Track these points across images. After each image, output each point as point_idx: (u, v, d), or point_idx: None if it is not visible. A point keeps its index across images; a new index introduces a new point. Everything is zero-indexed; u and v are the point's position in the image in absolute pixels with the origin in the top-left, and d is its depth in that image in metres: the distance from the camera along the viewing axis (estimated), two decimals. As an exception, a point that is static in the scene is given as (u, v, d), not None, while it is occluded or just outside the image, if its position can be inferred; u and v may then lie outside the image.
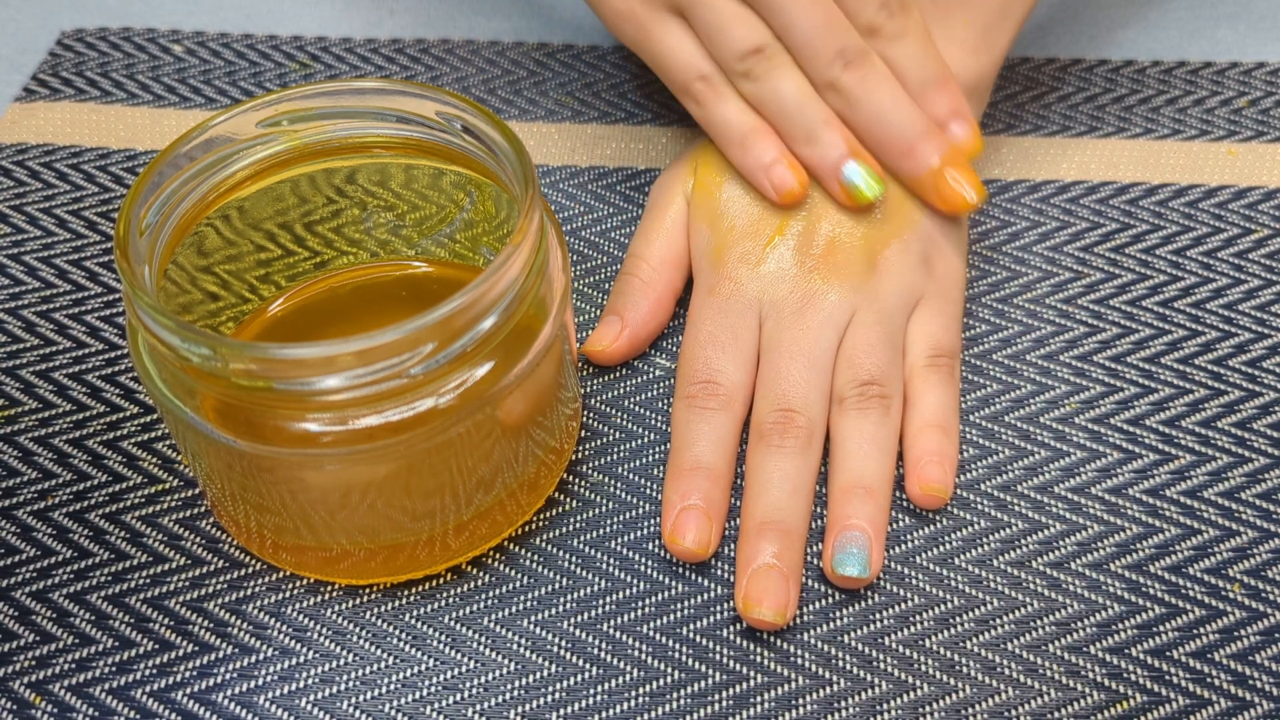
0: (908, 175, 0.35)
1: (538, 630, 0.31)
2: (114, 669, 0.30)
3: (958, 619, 0.31)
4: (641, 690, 0.30)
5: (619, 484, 0.34)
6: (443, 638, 0.30)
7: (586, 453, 0.34)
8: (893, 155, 0.34)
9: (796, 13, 0.33)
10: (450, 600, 0.31)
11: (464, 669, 0.30)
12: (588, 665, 0.30)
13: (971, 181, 0.34)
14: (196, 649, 0.30)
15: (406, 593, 0.31)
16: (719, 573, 0.32)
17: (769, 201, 0.35)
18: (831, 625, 0.31)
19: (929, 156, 0.34)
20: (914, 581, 0.31)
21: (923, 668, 0.30)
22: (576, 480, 0.34)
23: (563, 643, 0.30)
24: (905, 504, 0.33)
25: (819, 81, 0.34)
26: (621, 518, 0.33)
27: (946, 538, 0.32)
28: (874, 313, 0.34)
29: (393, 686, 0.30)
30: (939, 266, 0.35)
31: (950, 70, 0.35)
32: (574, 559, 0.32)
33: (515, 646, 0.30)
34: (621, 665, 0.30)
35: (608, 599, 0.31)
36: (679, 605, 0.31)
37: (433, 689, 0.30)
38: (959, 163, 0.34)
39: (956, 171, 0.34)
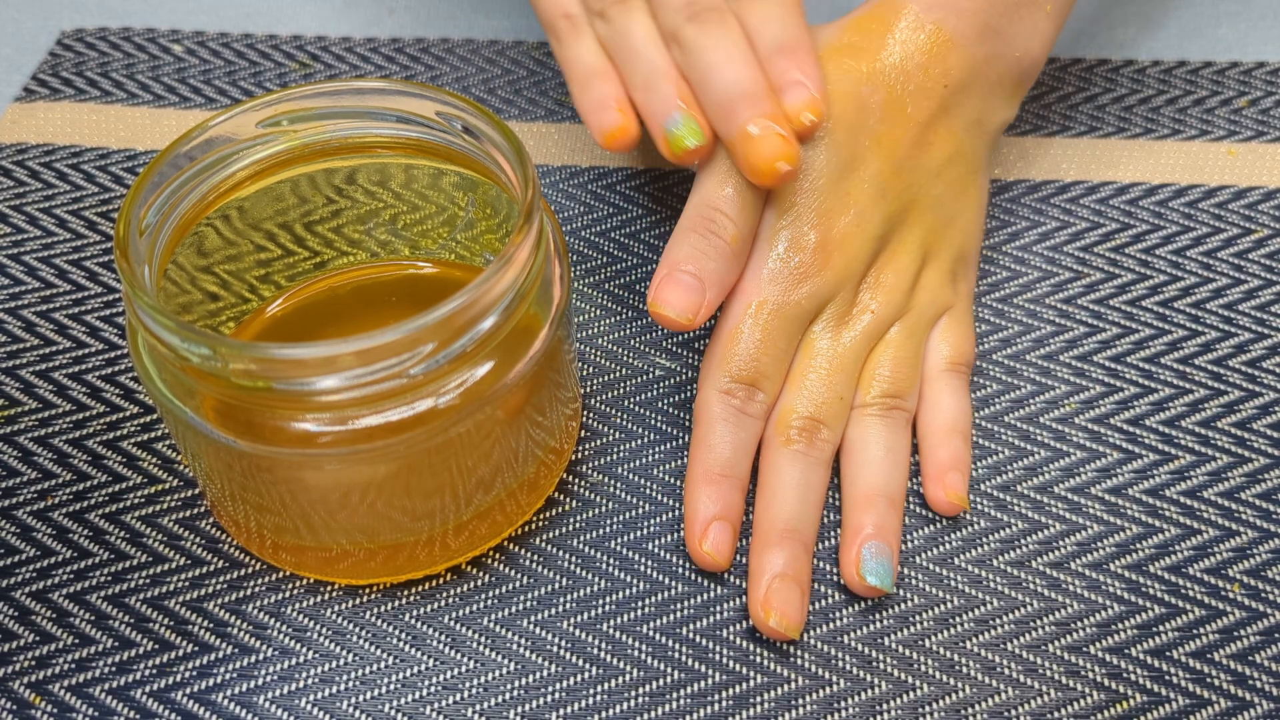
0: (724, 138, 0.32)
1: (538, 630, 0.31)
2: (114, 669, 0.30)
3: (958, 619, 0.31)
4: (641, 690, 0.30)
5: (619, 484, 0.34)
6: (442, 638, 0.30)
7: (586, 453, 0.34)
8: (714, 114, 0.32)
9: None
10: (450, 600, 0.31)
11: (464, 669, 0.30)
12: (588, 665, 0.30)
13: (785, 144, 0.31)
14: (196, 649, 0.30)
15: (406, 593, 0.31)
16: (719, 573, 0.32)
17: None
18: (831, 625, 0.31)
19: (743, 118, 0.31)
20: (914, 581, 0.31)
21: (923, 668, 0.30)
22: (576, 480, 0.34)
23: (563, 643, 0.30)
24: (905, 504, 0.33)
25: (664, 30, 0.33)
26: (621, 518, 0.33)
27: (946, 538, 0.32)
28: (907, 328, 0.34)
29: (392, 686, 0.30)
30: (962, 282, 0.35)
31: (806, 40, 0.32)
32: (574, 559, 0.32)
33: (515, 646, 0.30)
34: (621, 665, 0.30)
35: (608, 599, 0.31)
36: (679, 605, 0.31)
37: (432, 689, 0.30)
38: (778, 122, 0.31)
39: (771, 131, 0.31)
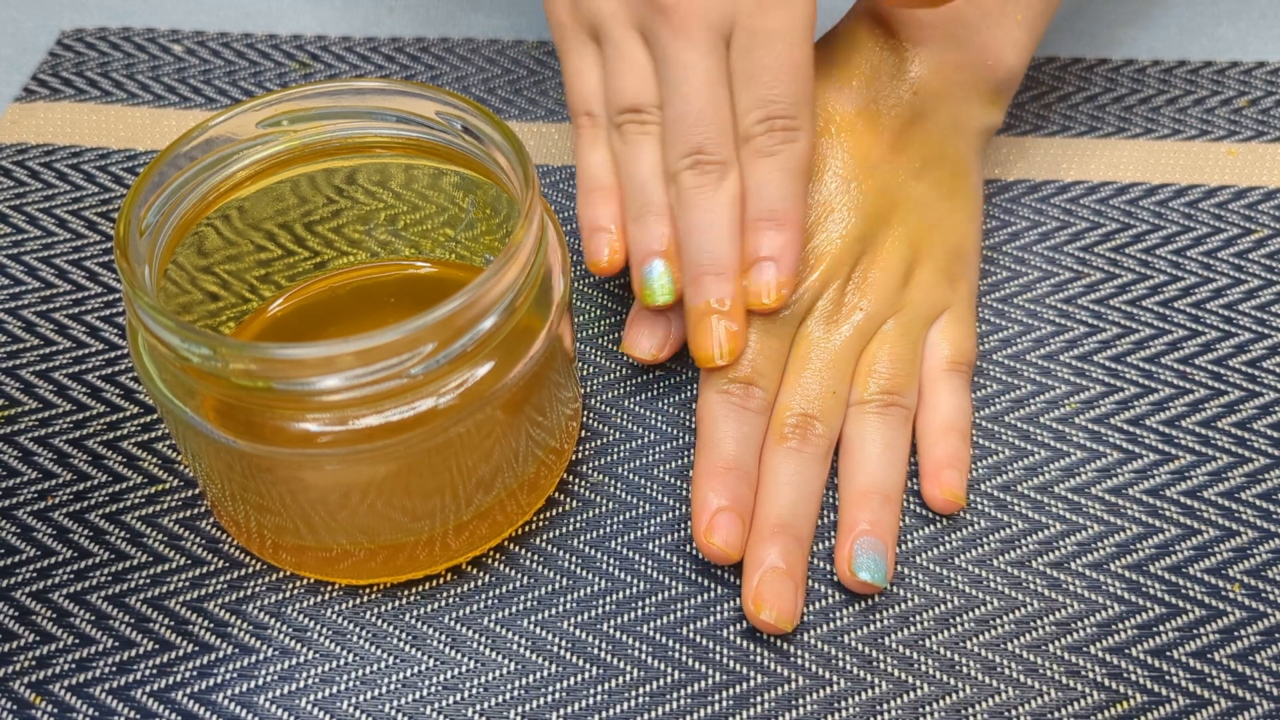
0: (685, 300, 0.32)
1: (538, 630, 0.31)
2: (114, 669, 0.30)
3: (958, 619, 0.31)
4: (641, 690, 0.30)
5: (619, 484, 0.34)
6: (443, 638, 0.30)
7: (586, 453, 0.34)
8: (685, 273, 0.32)
9: (681, 90, 0.31)
10: (450, 600, 0.31)
11: (464, 669, 0.30)
12: (588, 665, 0.30)
13: (726, 340, 0.31)
14: (196, 649, 0.30)
15: (406, 593, 0.31)
16: (719, 573, 0.32)
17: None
18: (831, 625, 0.31)
19: (704, 295, 0.31)
20: (914, 581, 0.31)
21: (923, 668, 0.30)
22: (576, 480, 0.34)
23: (563, 643, 0.30)
24: (904, 503, 0.33)
25: (667, 168, 0.32)
26: (621, 518, 0.33)
27: (946, 538, 0.32)
28: (901, 325, 0.34)
29: (393, 686, 0.30)
30: (961, 282, 0.35)
31: (799, 215, 0.32)
32: (574, 559, 0.32)
33: (515, 646, 0.30)
34: (621, 665, 0.30)
35: (608, 599, 0.31)
36: (679, 605, 0.31)
37: (433, 689, 0.30)
38: (733, 315, 0.31)
39: (722, 323, 0.31)
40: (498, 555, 0.32)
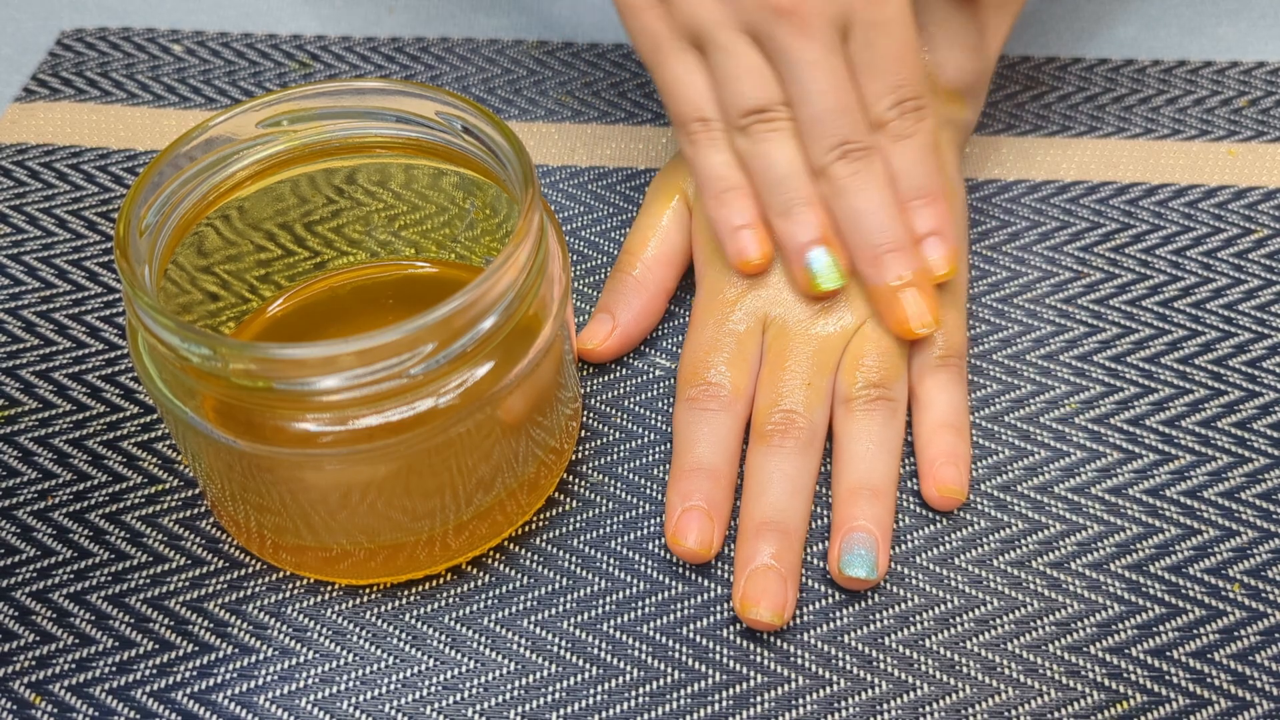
0: (869, 283, 0.33)
1: (538, 630, 0.31)
2: (114, 669, 0.30)
3: (958, 619, 0.31)
4: (641, 690, 0.30)
5: (619, 484, 0.34)
6: (443, 638, 0.30)
7: (586, 453, 0.34)
8: (861, 258, 0.33)
9: (813, 89, 0.32)
10: (450, 600, 0.31)
11: (464, 669, 0.30)
12: (588, 665, 0.30)
13: (928, 308, 0.33)
14: (196, 649, 0.30)
15: (406, 593, 0.31)
16: (719, 573, 0.32)
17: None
18: (831, 625, 0.31)
19: (892, 272, 0.33)
20: (914, 581, 0.31)
21: (923, 668, 0.30)
22: (576, 480, 0.34)
23: (563, 643, 0.30)
24: (904, 503, 0.33)
25: (814, 164, 0.33)
26: (621, 518, 0.33)
27: (946, 538, 0.32)
28: None
29: (393, 686, 0.30)
30: None
31: (943, 188, 0.34)
32: (574, 559, 0.32)
33: (515, 646, 0.30)
34: (621, 665, 0.30)
35: (608, 599, 0.31)
36: (679, 605, 0.31)
37: (433, 689, 0.30)
38: (922, 286, 0.33)
39: (916, 294, 0.33)
40: (498, 555, 0.32)
